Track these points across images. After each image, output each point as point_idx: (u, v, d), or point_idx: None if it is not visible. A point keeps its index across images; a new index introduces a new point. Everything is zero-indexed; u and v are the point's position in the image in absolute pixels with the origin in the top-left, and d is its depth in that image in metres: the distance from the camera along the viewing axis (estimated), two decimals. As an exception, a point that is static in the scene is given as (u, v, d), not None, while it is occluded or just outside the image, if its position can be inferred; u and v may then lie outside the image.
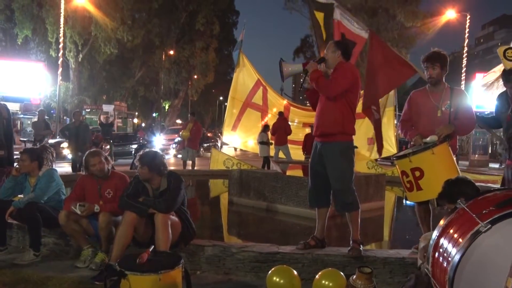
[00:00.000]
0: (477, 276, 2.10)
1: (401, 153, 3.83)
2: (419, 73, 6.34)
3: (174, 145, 21.36)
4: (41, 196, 4.31)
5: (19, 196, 4.52)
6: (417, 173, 3.54)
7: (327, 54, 4.01)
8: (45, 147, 4.88)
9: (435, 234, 2.40)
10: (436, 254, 2.33)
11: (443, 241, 2.31)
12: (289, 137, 12.60)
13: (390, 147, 12.33)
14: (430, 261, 2.38)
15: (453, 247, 2.20)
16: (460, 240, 2.18)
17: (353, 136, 3.99)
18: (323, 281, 3.20)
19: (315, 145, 4.06)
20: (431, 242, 2.41)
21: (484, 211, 2.21)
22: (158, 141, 21.75)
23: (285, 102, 13.80)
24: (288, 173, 8.00)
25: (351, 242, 3.86)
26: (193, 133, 12.21)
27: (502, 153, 4.29)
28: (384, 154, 12.89)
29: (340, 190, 3.88)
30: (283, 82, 4.12)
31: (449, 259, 2.18)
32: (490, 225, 2.10)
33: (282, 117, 12.37)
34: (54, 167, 4.64)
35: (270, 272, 3.30)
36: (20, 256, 4.13)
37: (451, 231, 2.31)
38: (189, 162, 12.29)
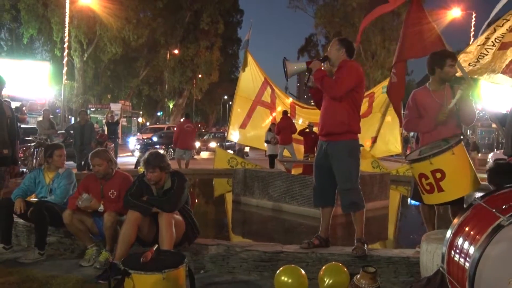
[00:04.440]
0: (497, 272, 2.07)
1: (421, 155, 3.61)
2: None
3: (139, 146, 19.92)
4: (63, 198, 4.34)
5: (33, 198, 4.53)
6: (438, 175, 3.40)
7: (330, 52, 3.98)
8: (41, 144, 4.93)
9: (449, 232, 2.37)
10: (452, 253, 2.30)
11: (459, 239, 2.28)
12: (294, 136, 12.60)
13: (395, 146, 12.32)
14: (445, 260, 2.35)
15: (470, 245, 2.17)
16: (478, 237, 2.14)
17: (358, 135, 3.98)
18: (327, 277, 3.26)
19: (320, 144, 4.03)
20: (445, 240, 2.38)
21: (504, 206, 2.17)
22: (131, 142, 21.04)
23: (290, 101, 13.80)
24: (293, 172, 7.99)
25: (355, 241, 3.85)
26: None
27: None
28: (388, 153, 12.94)
29: (347, 189, 3.86)
30: (287, 81, 4.08)
31: (468, 257, 2.16)
32: None
33: (287, 116, 12.37)
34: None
35: (278, 271, 3.31)
36: (25, 254, 4.14)
37: (467, 228, 2.27)
38: (183, 162, 12.39)
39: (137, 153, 19.18)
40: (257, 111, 12.89)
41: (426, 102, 3.96)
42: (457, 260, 2.24)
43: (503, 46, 5.83)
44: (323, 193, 4.02)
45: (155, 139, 21.37)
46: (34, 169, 4.60)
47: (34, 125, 15.76)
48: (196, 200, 8.38)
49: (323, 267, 3.36)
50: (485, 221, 2.18)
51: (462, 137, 3.57)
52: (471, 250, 2.14)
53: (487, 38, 5.97)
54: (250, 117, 12.82)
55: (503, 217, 2.09)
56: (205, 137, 27.66)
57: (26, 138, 12.10)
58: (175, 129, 15.08)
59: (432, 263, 2.91)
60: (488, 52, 5.91)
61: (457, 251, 2.26)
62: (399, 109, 6.77)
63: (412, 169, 3.60)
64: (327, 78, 3.83)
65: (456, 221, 2.40)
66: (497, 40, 5.86)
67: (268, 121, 13.15)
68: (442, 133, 3.75)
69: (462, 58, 6.09)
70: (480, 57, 5.97)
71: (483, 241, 2.09)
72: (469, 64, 6.00)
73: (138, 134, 25.65)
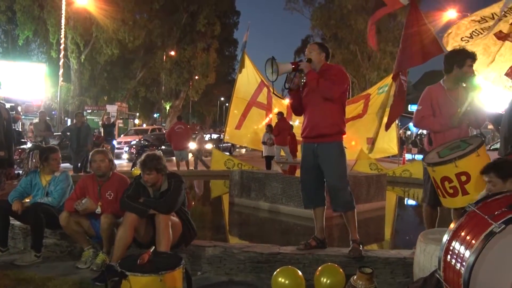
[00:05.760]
0: (492, 277, 2.09)
1: (442, 158, 3.45)
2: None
3: (127, 149, 19.28)
4: (60, 201, 4.32)
5: (27, 200, 4.51)
6: (463, 178, 3.30)
7: (312, 55, 3.97)
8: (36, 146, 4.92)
9: (445, 237, 2.40)
10: (448, 258, 2.32)
11: (455, 244, 2.31)
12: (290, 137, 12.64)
13: (391, 147, 12.35)
14: (441, 264, 2.37)
15: (466, 249, 2.20)
16: (473, 241, 2.17)
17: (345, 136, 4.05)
18: (323, 277, 3.28)
19: (308, 146, 4.02)
20: (441, 245, 2.40)
21: (496, 213, 2.20)
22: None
23: (286, 102, 13.85)
24: (289, 173, 8.00)
25: (351, 242, 3.86)
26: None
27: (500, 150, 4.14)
28: (384, 154, 12.98)
29: (340, 188, 3.89)
30: (275, 80, 3.86)
31: (463, 261, 2.18)
32: (504, 226, 2.10)
33: (284, 118, 12.41)
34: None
35: (275, 273, 3.32)
36: (21, 257, 4.13)
37: (463, 233, 2.30)
38: (182, 162, 12.63)
39: (125, 156, 19.02)
40: (252, 112, 12.96)
41: (441, 99, 3.86)
42: (453, 264, 2.26)
43: (502, 36, 5.67)
44: (316, 194, 4.04)
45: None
46: (30, 172, 4.57)
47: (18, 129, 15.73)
48: (193, 203, 8.37)
49: (319, 268, 3.38)
50: (479, 227, 2.21)
51: (484, 138, 3.53)
52: (467, 254, 2.17)
53: (483, 18, 5.81)
54: (245, 117, 12.91)
55: (495, 224, 2.12)
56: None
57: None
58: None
59: (430, 264, 2.90)
60: (483, 32, 5.79)
61: (453, 256, 2.29)
62: (395, 118, 6.74)
63: (434, 173, 3.46)
64: (322, 79, 3.83)
65: (452, 226, 2.42)
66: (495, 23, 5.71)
67: (264, 123, 13.18)
68: (455, 134, 3.72)
69: (454, 31, 5.98)
70: (474, 33, 5.84)
71: (477, 247, 2.12)
72: (461, 39, 5.89)
73: (122, 136, 24.43)
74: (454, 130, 3.75)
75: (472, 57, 3.84)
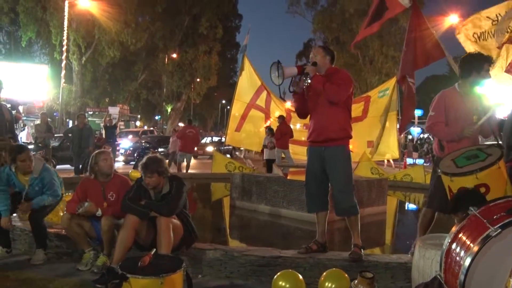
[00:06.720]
0: (487, 280, 2.13)
1: (461, 168, 3.32)
2: (448, 58, 6.25)
3: (123, 151, 19.17)
4: (56, 196, 4.32)
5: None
6: (483, 189, 3.20)
7: (316, 58, 3.97)
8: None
9: (447, 240, 2.43)
10: (449, 260, 2.36)
11: (455, 247, 2.35)
12: (291, 138, 12.67)
13: (393, 151, 12.35)
14: (442, 267, 2.40)
15: (464, 253, 2.24)
16: (471, 245, 2.22)
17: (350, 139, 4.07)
18: (327, 283, 3.24)
19: (315, 150, 4.01)
20: (443, 248, 2.43)
21: (495, 217, 2.24)
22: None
23: (287, 106, 13.86)
24: (290, 177, 7.99)
25: (352, 246, 3.87)
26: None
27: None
28: (385, 158, 12.99)
29: (346, 192, 3.90)
30: (280, 84, 3.80)
31: (460, 263, 2.22)
32: (500, 230, 2.14)
33: (285, 121, 12.43)
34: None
35: (276, 276, 3.31)
36: (33, 257, 4.14)
37: (463, 237, 2.35)
38: (184, 164, 12.90)
39: (121, 158, 18.95)
40: (251, 114, 13.01)
41: (454, 104, 3.77)
42: (453, 267, 2.30)
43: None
44: (320, 198, 4.04)
45: (127, 144, 19.96)
46: (3, 169, 4.31)
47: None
48: (195, 205, 8.37)
49: (324, 273, 3.33)
50: (477, 231, 2.25)
51: (503, 148, 3.41)
52: (464, 257, 2.21)
53: (497, 17, 5.68)
54: (244, 119, 12.96)
55: (492, 228, 2.17)
56: (202, 141, 27.53)
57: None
58: (175, 133, 15.06)
59: (430, 269, 2.90)
60: (489, 38, 5.71)
61: (453, 258, 2.33)
62: (407, 121, 6.73)
63: (451, 183, 3.33)
64: (329, 82, 3.82)
65: (453, 229, 2.45)
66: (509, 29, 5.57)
67: (263, 126, 13.21)
68: (470, 141, 3.66)
69: (470, 24, 5.89)
70: (482, 36, 5.77)
71: (473, 250, 2.16)
72: (473, 35, 5.82)
73: None
74: (468, 139, 3.66)
75: (489, 61, 3.80)
